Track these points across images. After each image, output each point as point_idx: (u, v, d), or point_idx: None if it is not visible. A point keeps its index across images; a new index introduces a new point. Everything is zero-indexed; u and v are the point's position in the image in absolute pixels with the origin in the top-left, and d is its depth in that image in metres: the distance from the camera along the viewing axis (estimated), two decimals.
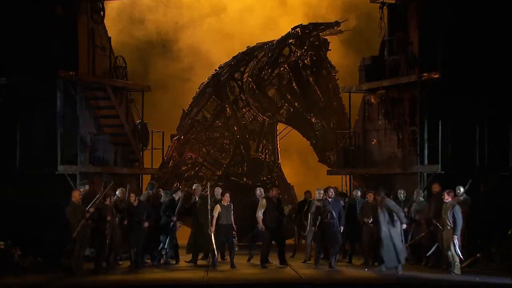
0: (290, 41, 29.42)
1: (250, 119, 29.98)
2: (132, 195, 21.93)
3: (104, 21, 25.76)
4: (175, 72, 34.33)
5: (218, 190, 22.49)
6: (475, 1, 23.78)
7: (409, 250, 21.79)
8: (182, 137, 30.00)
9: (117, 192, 21.96)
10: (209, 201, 21.99)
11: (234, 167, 29.82)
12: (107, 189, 21.08)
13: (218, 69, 30.60)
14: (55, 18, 23.60)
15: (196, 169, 29.83)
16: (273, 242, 22.11)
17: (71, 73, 23.42)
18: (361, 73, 26.63)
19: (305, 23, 30.15)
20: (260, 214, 21.82)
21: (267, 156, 29.99)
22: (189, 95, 31.10)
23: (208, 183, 23.72)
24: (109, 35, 25.98)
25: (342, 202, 22.29)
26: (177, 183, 28.89)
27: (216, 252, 21.71)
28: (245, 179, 29.53)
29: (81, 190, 21.72)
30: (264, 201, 22.02)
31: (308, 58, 29.33)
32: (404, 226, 20.92)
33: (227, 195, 21.86)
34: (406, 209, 22.50)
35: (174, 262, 22.90)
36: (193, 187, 23.23)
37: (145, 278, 20.26)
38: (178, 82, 34.00)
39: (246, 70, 29.91)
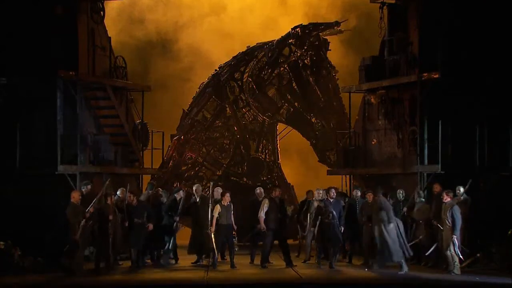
0: (290, 41, 29.43)
1: (250, 119, 29.99)
2: (130, 195, 21.93)
3: (104, 21, 25.75)
4: (175, 72, 34.34)
5: (218, 190, 22.48)
6: (475, 1, 23.78)
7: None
8: (182, 137, 30.00)
9: (117, 192, 21.96)
10: (209, 201, 22.02)
11: (234, 167, 29.83)
12: (104, 187, 21.08)
13: (218, 69, 30.61)
14: (55, 18, 23.59)
15: (196, 169, 29.84)
16: (275, 242, 22.14)
17: (71, 73, 23.41)
18: (361, 73, 26.63)
19: (305, 23, 30.17)
20: (262, 215, 21.82)
21: (267, 156, 29.99)
22: (189, 95, 31.11)
23: (211, 183, 23.66)
24: (109, 35, 25.98)
25: (342, 203, 22.29)
26: (177, 183, 28.89)
27: (216, 252, 21.71)
28: (245, 179, 29.54)
29: (83, 190, 21.71)
30: (267, 201, 22.01)
31: (308, 58, 29.34)
32: (391, 225, 20.88)
33: (227, 195, 21.85)
34: (405, 209, 22.54)
35: (173, 262, 22.91)
36: (194, 187, 23.21)
37: (145, 278, 20.26)
38: (178, 82, 34.01)
39: (246, 70, 29.92)
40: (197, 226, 22.55)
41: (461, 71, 23.49)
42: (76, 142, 23.51)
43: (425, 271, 21.02)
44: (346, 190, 26.32)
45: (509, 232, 21.73)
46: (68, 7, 23.92)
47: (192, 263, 22.65)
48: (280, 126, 30.39)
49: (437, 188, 21.92)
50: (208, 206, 21.91)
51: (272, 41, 30.00)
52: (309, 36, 29.27)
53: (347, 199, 23.26)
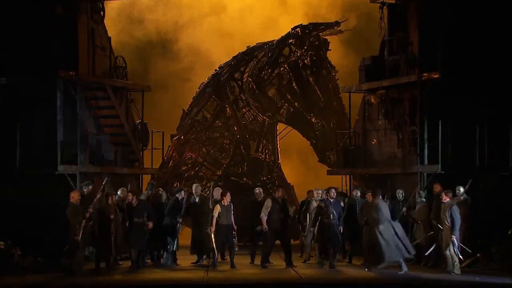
0: (290, 41, 29.42)
1: (250, 119, 29.98)
2: (130, 194, 21.92)
3: (104, 21, 25.75)
4: (175, 72, 34.34)
5: (218, 191, 22.46)
6: (475, 1, 23.77)
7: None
8: (182, 137, 30.00)
9: (118, 192, 21.96)
10: (209, 201, 22.03)
11: (234, 167, 29.82)
12: (106, 187, 21.08)
13: (218, 69, 30.61)
14: (55, 18, 23.60)
15: (196, 169, 29.84)
16: (277, 242, 22.14)
17: (71, 73, 23.41)
18: (361, 73, 26.62)
19: (305, 23, 30.17)
20: (264, 215, 21.81)
21: (267, 156, 29.99)
22: (189, 95, 31.11)
23: (212, 183, 23.67)
24: (109, 35, 25.97)
25: (342, 203, 22.29)
26: (177, 183, 28.89)
27: (216, 252, 21.71)
28: (245, 179, 29.54)
29: (85, 190, 21.72)
30: (269, 201, 22.01)
31: (308, 58, 29.33)
32: (381, 226, 20.82)
33: (228, 195, 21.85)
34: (404, 209, 22.54)
35: (177, 263, 22.89)
36: (193, 187, 23.20)
37: (145, 278, 20.26)
38: (178, 82, 34.02)
39: (246, 70, 29.92)
40: (197, 226, 22.55)
41: (461, 71, 23.48)
42: (76, 142, 23.51)
43: (425, 271, 21.03)
44: (346, 190, 26.32)
45: (509, 232, 21.73)
46: (68, 7, 23.92)
47: (192, 263, 22.64)
48: (280, 126, 30.38)
49: (437, 188, 21.92)
50: (208, 206, 21.92)
51: (272, 41, 30.01)
52: (309, 36, 29.27)
53: (346, 199, 23.25)
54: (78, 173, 23.28)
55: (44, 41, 23.34)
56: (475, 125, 23.62)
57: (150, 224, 21.73)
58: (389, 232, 20.67)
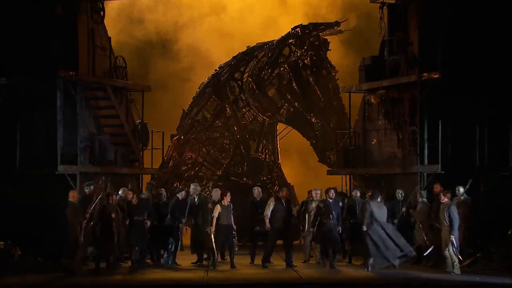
0: (290, 41, 29.42)
1: (250, 119, 29.98)
2: (130, 193, 21.90)
3: (104, 21, 25.75)
4: (175, 72, 34.36)
5: (216, 192, 22.42)
6: (475, 1, 23.77)
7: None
8: (182, 137, 30.00)
9: (120, 192, 21.95)
10: (209, 201, 22.03)
11: (234, 167, 29.82)
12: (100, 186, 21.09)
13: (218, 69, 30.62)
14: (55, 18, 23.60)
15: (196, 169, 29.84)
16: (279, 242, 22.16)
17: (71, 73, 23.41)
18: (361, 73, 26.62)
19: (305, 22, 30.17)
20: (267, 213, 21.82)
21: (267, 156, 29.99)
22: (189, 95, 31.12)
23: (211, 183, 23.67)
24: (109, 35, 25.97)
25: (340, 203, 22.29)
26: (177, 183, 28.89)
27: (216, 252, 21.71)
28: (245, 179, 29.54)
29: (86, 190, 21.75)
30: (272, 200, 22.03)
31: (308, 58, 29.33)
32: (364, 228, 20.89)
33: (228, 195, 21.85)
34: (403, 209, 22.56)
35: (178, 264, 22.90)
36: (191, 187, 23.19)
37: (145, 278, 20.26)
38: (178, 82, 34.04)
39: (246, 70, 29.92)
40: (196, 226, 22.56)
41: (461, 71, 23.48)
42: (76, 142, 23.52)
43: (425, 271, 21.02)
44: (346, 190, 26.32)
45: (509, 232, 21.74)
46: (68, 7, 23.92)
47: (192, 263, 22.64)
48: (280, 126, 30.38)
49: (437, 188, 21.92)
50: (207, 206, 21.92)
51: (272, 41, 30.01)
52: (309, 36, 29.27)
53: (346, 200, 23.24)
54: (78, 173, 23.28)
55: (44, 41, 23.33)
56: (475, 125, 23.62)
57: (148, 223, 21.72)
58: (379, 234, 20.66)
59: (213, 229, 21.51)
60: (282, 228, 21.88)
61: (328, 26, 29.50)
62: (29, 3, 23.60)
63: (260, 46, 30.27)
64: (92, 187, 21.73)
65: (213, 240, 21.51)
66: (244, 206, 23.53)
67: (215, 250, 21.59)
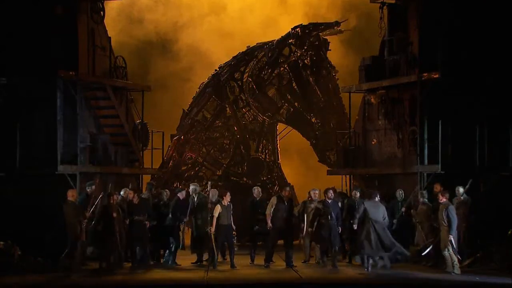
0: (290, 41, 29.40)
1: (250, 119, 29.97)
2: (131, 192, 21.89)
3: (104, 21, 25.75)
4: (175, 72, 34.36)
5: (214, 192, 22.41)
6: (475, 1, 23.77)
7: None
8: (182, 137, 29.99)
9: (121, 192, 21.94)
10: (208, 201, 22.04)
11: (234, 167, 29.81)
12: (99, 184, 21.12)
13: (218, 69, 30.60)
14: (55, 18, 23.60)
15: (196, 169, 29.82)
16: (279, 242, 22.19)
17: (71, 73, 23.42)
18: (361, 73, 26.63)
19: (305, 22, 30.16)
20: (269, 212, 21.83)
21: (267, 156, 29.98)
22: (189, 95, 31.10)
23: (209, 183, 23.68)
24: (109, 35, 25.97)
25: (340, 204, 22.29)
26: (177, 183, 28.89)
27: (216, 252, 21.71)
28: (245, 179, 29.53)
29: (88, 190, 21.76)
30: (274, 199, 22.04)
31: (308, 58, 29.31)
32: (354, 226, 20.99)
33: (228, 195, 21.85)
34: (403, 209, 22.56)
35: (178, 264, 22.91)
36: (191, 187, 23.19)
37: (145, 278, 20.26)
38: (178, 82, 34.04)
39: (246, 70, 29.90)
40: (197, 225, 22.56)
41: (461, 71, 23.48)
42: (76, 142, 23.52)
43: (425, 271, 21.02)
44: (346, 190, 26.32)
45: (509, 232, 21.74)
46: (68, 7, 23.93)
47: (192, 263, 22.64)
48: (280, 126, 30.37)
49: (437, 188, 21.92)
50: (207, 207, 21.93)
51: (272, 41, 30.00)
52: (309, 36, 29.25)
53: (346, 200, 23.23)
54: (78, 173, 23.29)
55: (44, 41, 23.34)
56: (475, 125, 23.62)
57: (148, 224, 21.69)
58: (371, 232, 20.68)
59: (213, 229, 21.51)
60: (283, 228, 21.88)
61: (328, 26, 29.49)
62: (29, 3, 23.60)
63: (260, 46, 30.26)
64: (93, 187, 21.74)
65: (213, 240, 21.51)
66: (244, 206, 23.54)
67: (215, 250, 21.59)
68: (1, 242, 21.40)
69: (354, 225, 21.11)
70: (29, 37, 23.43)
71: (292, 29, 29.49)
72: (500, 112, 23.66)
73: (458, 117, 23.60)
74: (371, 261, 20.86)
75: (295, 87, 29.45)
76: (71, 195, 20.88)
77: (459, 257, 20.53)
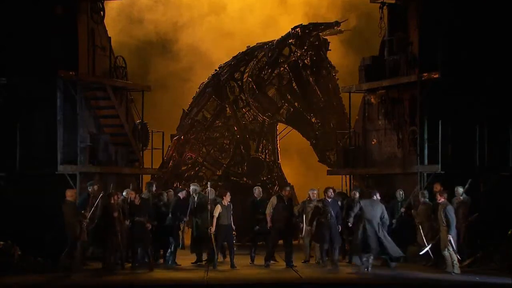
0: (290, 41, 29.41)
1: (250, 119, 29.97)
2: (132, 193, 21.89)
3: (104, 21, 25.75)
4: (175, 72, 34.36)
5: (211, 192, 22.44)
6: (475, 1, 23.77)
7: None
8: (182, 137, 29.99)
9: (123, 193, 21.91)
10: (208, 201, 22.05)
11: (234, 167, 29.82)
12: (97, 183, 21.18)
13: (218, 69, 30.61)
14: (55, 18, 23.60)
15: (196, 169, 29.83)
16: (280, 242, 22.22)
17: (71, 73, 23.42)
18: (361, 73, 26.61)
19: (305, 22, 30.17)
20: (269, 211, 21.84)
21: (267, 156, 29.98)
22: (189, 95, 31.11)
23: (208, 183, 23.68)
24: (109, 35, 25.97)
25: (339, 203, 22.29)
26: (177, 183, 28.89)
27: (216, 252, 21.71)
28: (245, 179, 29.54)
29: (89, 190, 21.75)
30: (274, 199, 22.04)
31: (308, 58, 29.32)
32: (349, 223, 21.13)
33: (227, 195, 21.86)
34: (402, 209, 22.56)
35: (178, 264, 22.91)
36: (191, 187, 23.20)
37: (145, 278, 20.26)
38: (178, 82, 34.04)
39: (246, 70, 29.91)
40: (197, 225, 22.57)
41: (461, 71, 23.48)
42: (76, 142, 23.52)
43: (425, 271, 21.03)
44: (346, 190, 26.32)
45: (509, 232, 21.74)
46: (68, 7, 23.93)
47: (192, 263, 22.65)
48: (280, 126, 30.38)
49: (437, 188, 21.92)
50: (207, 207, 21.93)
51: (272, 41, 30.01)
52: (309, 36, 29.26)
53: (345, 200, 23.22)
54: (78, 173, 23.29)
55: (44, 41, 23.34)
56: (475, 125, 23.62)
57: (149, 226, 21.63)
58: (365, 231, 20.70)
59: (213, 229, 21.52)
60: (283, 228, 21.89)
61: (328, 26, 29.50)
62: (29, 3, 23.60)
63: (260, 46, 30.26)
64: (95, 187, 21.76)
65: (213, 240, 21.51)
66: (244, 206, 23.55)
67: (215, 250, 21.59)
68: (1, 242, 21.40)
69: (349, 223, 21.14)
70: (29, 37, 23.44)
71: (292, 29, 29.50)
72: (500, 112, 23.66)
73: (458, 117, 23.60)
74: (370, 260, 20.86)
75: (295, 87, 29.45)
76: (70, 195, 20.88)
77: (459, 257, 20.53)
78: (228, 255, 22.26)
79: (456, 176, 22.52)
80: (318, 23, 29.80)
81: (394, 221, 22.33)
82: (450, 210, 20.45)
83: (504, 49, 23.68)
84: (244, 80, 29.89)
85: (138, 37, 34.35)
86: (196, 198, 22.70)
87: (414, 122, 24.43)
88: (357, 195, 22.91)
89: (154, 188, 23.54)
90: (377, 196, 21.18)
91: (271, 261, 22.31)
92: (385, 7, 25.65)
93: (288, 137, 30.87)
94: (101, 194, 21.11)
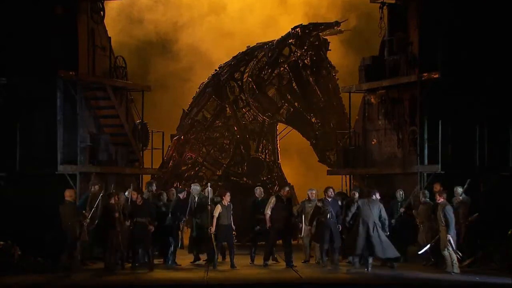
0: (290, 41, 29.41)
1: (250, 119, 29.97)
2: (134, 193, 21.87)
3: (104, 21, 25.75)
4: (175, 72, 34.36)
5: (209, 191, 22.47)
6: (475, 1, 23.77)
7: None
8: (182, 137, 29.99)
9: (125, 193, 21.88)
10: (208, 201, 22.05)
11: (234, 167, 29.82)
12: (95, 182, 21.11)
13: (218, 69, 30.61)
14: (55, 18, 23.61)
15: (196, 169, 29.83)
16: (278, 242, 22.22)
17: (71, 73, 23.42)
18: (361, 73, 26.62)
19: (305, 22, 30.17)
20: (268, 212, 21.85)
21: (267, 156, 29.98)
22: (189, 95, 31.11)
23: (208, 183, 23.70)
24: (109, 35, 25.97)
25: (339, 202, 22.30)
26: (177, 183, 28.89)
27: (216, 252, 21.71)
28: (245, 179, 29.54)
29: (91, 189, 21.75)
30: (273, 199, 22.04)
31: (308, 58, 29.32)
32: (346, 224, 21.15)
33: (227, 194, 21.86)
34: (402, 209, 22.56)
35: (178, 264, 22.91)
36: (192, 187, 23.21)
37: (145, 278, 20.26)
38: (178, 82, 34.04)
39: (246, 70, 29.90)
40: (197, 225, 22.57)
41: (461, 71, 23.48)
42: (76, 142, 23.52)
43: (425, 271, 21.03)
44: (346, 190, 26.32)
45: (509, 232, 21.74)
46: (68, 7, 23.93)
47: (191, 262, 22.64)
48: (280, 126, 30.38)
49: (437, 188, 21.92)
50: (207, 207, 21.93)
51: (272, 41, 30.00)
52: (309, 36, 29.26)
53: (345, 200, 23.21)
54: (78, 173, 23.29)
55: (44, 41, 23.34)
56: (475, 125, 23.62)
57: (152, 228, 21.52)
58: (360, 230, 20.72)
59: (213, 229, 21.52)
60: (282, 228, 21.89)
61: (328, 26, 29.50)
62: (29, 3, 23.61)
63: (260, 46, 30.26)
64: (96, 187, 21.77)
65: (213, 240, 21.51)
66: (244, 206, 23.55)
67: (215, 250, 21.59)
68: (1, 242, 21.40)
69: (346, 223, 21.15)
70: (29, 37, 23.44)
71: (292, 29, 29.50)
72: (500, 112, 23.67)
73: (458, 117, 23.61)
74: (370, 260, 20.86)
75: (295, 87, 29.45)
76: (69, 195, 20.87)
77: (460, 254, 20.51)
78: (228, 255, 22.25)
79: (456, 176, 22.52)
80: (318, 23, 29.80)
81: (393, 221, 22.33)
82: (449, 210, 20.46)
83: (504, 49, 23.69)
84: (244, 80, 29.89)
85: (138, 37, 34.35)
86: (196, 198, 22.70)
87: (414, 122, 24.43)
88: (357, 195, 22.89)
89: (154, 188, 23.53)
90: (377, 196, 21.16)
91: (272, 261, 22.31)
92: (385, 7, 25.67)
93: (288, 137, 30.87)
94: (101, 194, 21.11)
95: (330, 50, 29.73)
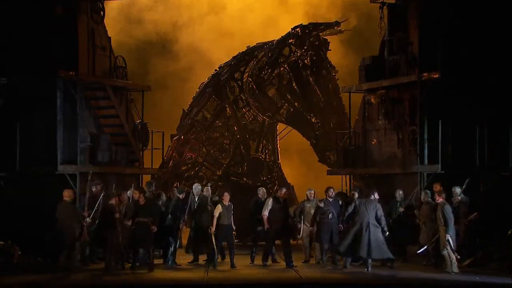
0: (290, 41, 29.42)
1: (250, 119, 29.98)
2: (136, 192, 21.85)
3: (104, 21, 25.75)
4: (175, 72, 34.39)
5: (207, 191, 22.48)
6: (475, 1, 23.78)
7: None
8: (182, 137, 30.00)
9: (128, 193, 21.85)
10: (208, 201, 22.05)
11: (234, 167, 29.82)
12: (94, 182, 21.06)
13: (218, 69, 30.62)
14: (55, 18, 23.60)
15: (196, 169, 29.83)
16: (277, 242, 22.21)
17: (71, 73, 23.42)
18: (361, 73, 26.62)
19: (305, 22, 30.18)
20: (266, 213, 21.85)
21: (267, 156, 29.99)
22: (189, 95, 31.13)
23: (208, 184, 23.71)
24: (109, 35, 25.97)
25: (340, 202, 22.31)
26: (177, 183, 28.89)
27: (216, 252, 21.71)
28: (245, 179, 29.54)
29: (93, 189, 21.74)
30: (271, 200, 22.04)
31: (308, 58, 29.33)
32: (344, 223, 21.18)
33: (227, 194, 21.86)
34: (401, 209, 22.56)
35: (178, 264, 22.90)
36: (193, 187, 23.21)
37: (145, 278, 20.26)
38: (178, 82, 34.06)
39: (246, 70, 29.91)
40: (196, 225, 22.57)
41: (461, 71, 23.48)
42: (76, 142, 23.52)
43: (425, 271, 21.03)
44: (346, 190, 26.32)
45: (509, 232, 21.75)
46: (68, 7, 23.93)
47: (188, 262, 22.63)
48: (280, 126, 30.38)
49: (437, 188, 21.92)
50: (207, 207, 21.93)
51: (272, 41, 30.01)
52: (309, 36, 29.27)
53: (345, 200, 23.21)
54: (78, 173, 23.28)
55: (44, 41, 23.34)
56: (475, 125, 23.62)
57: (155, 229, 21.47)
58: (355, 230, 20.72)
59: (213, 229, 21.52)
60: (280, 228, 21.90)
61: (328, 26, 29.51)
62: (29, 3, 23.60)
63: (260, 46, 30.27)
64: (98, 186, 21.76)
65: (213, 240, 21.52)
66: (244, 206, 23.55)
67: (215, 250, 21.59)
68: (1, 242, 21.40)
69: (344, 223, 21.18)
70: (29, 37, 23.43)
71: (292, 29, 29.51)
72: (500, 112, 23.66)
73: (458, 117, 23.61)
74: (370, 260, 20.86)
75: (295, 87, 29.46)
76: (68, 195, 20.84)
77: (457, 256, 20.52)
78: (228, 255, 22.25)
79: (456, 176, 22.51)
80: (318, 23, 29.81)
81: (390, 220, 22.30)
82: (448, 209, 20.46)
83: (504, 49, 23.68)
84: (244, 80, 29.89)
85: (138, 37, 34.37)
86: (197, 198, 22.70)
87: (414, 122, 24.43)
88: (356, 195, 22.89)
89: (153, 188, 23.52)
90: (375, 196, 21.17)
91: (273, 262, 22.30)
92: (385, 7, 25.67)
93: (288, 137, 30.88)
94: (102, 194, 21.10)
95: (330, 50, 29.76)
